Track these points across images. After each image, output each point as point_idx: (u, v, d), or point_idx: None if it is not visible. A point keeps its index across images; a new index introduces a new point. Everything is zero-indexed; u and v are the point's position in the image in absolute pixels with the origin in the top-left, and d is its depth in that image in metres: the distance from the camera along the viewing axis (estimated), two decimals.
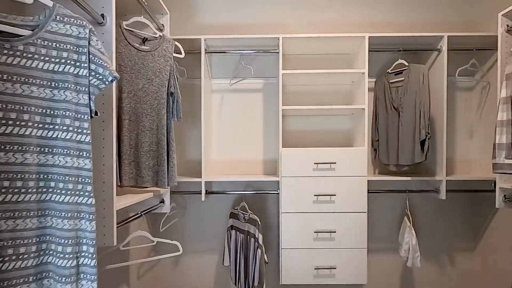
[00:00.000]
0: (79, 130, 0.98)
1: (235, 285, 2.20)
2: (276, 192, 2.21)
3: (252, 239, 2.11)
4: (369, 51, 2.11)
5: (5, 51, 0.87)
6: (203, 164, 2.12)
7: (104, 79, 1.01)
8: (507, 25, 1.81)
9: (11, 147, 0.87)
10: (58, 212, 0.96)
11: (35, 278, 0.93)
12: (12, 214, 0.88)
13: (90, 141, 1.00)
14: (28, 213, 0.91)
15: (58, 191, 0.96)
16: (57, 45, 0.95)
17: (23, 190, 0.90)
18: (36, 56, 0.91)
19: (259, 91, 2.45)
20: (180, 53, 1.83)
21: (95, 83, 1.00)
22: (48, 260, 0.97)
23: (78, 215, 0.98)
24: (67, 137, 0.96)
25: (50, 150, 0.95)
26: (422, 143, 2.05)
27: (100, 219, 1.34)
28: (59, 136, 0.95)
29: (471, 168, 2.40)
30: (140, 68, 1.67)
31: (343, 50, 2.35)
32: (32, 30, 0.91)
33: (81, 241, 0.99)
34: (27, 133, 0.90)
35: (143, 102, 1.67)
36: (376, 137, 2.30)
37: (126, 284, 2.11)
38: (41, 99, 0.93)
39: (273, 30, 2.41)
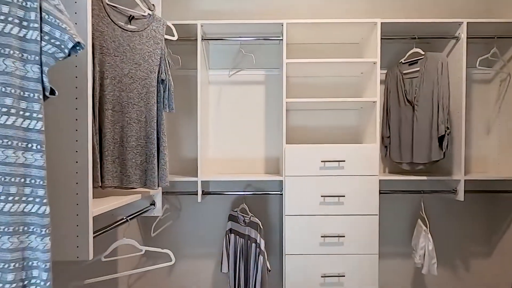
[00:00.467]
0: (26, 114, 0.68)
1: None
2: (279, 192, 1.98)
3: (253, 245, 1.89)
4: (381, 39, 1.85)
5: None
6: (200, 162, 1.88)
7: (62, 46, 0.71)
8: None
9: None
10: None
11: None
12: None
13: (43, 129, 0.70)
14: None
15: None
16: None
17: None
18: None
19: (261, 83, 2.19)
20: (173, 35, 1.54)
21: (50, 51, 0.71)
22: None
23: (25, 229, 0.69)
24: (8, 122, 0.66)
25: None
26: (440, 139, 1.79)
27: (73, 228, 1.07)
28: None
29: (488, 167, 2.15)
30: (125, 50, 1.38)
31: (352, 38, 2.09)
32: None
33: (29, 264, 0.69)
34: None
35: (129, 90, 1.39)
36: (387, 133, 2.03)
37: None
38: None
39: (276, 16, 2.13)
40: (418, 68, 1.88)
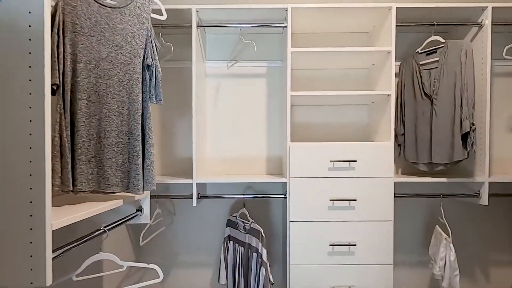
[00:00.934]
0: None
1: None
2: (282, 196, 1.78)
3: (254, 254, 1.67)
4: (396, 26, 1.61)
5: None
6: (195, 162, 1.67)
7: None
8: None
9: None
10: None
11: None
12: None
13: None
14: None
15: None
16: None
17: None
18: None
19: (262, 76, 1.95)
20: (161, 15, 1.28)
21: None
22: None
23: None
24: None
25: None
26: (464, 137, 1.54)
27: (26, 245, 0.82)
28: None
29: (509, 168, 1.89)
30: (103, 29, 1.12)
31: (362, 27, 1.84)
32: None
33: None
34: None
35: (108, 76, 1.13)
36: (402, 131, 1.77)
37: None
38: None
39: (280, 0, 1.88)
40: (437, 58, 1.62)
